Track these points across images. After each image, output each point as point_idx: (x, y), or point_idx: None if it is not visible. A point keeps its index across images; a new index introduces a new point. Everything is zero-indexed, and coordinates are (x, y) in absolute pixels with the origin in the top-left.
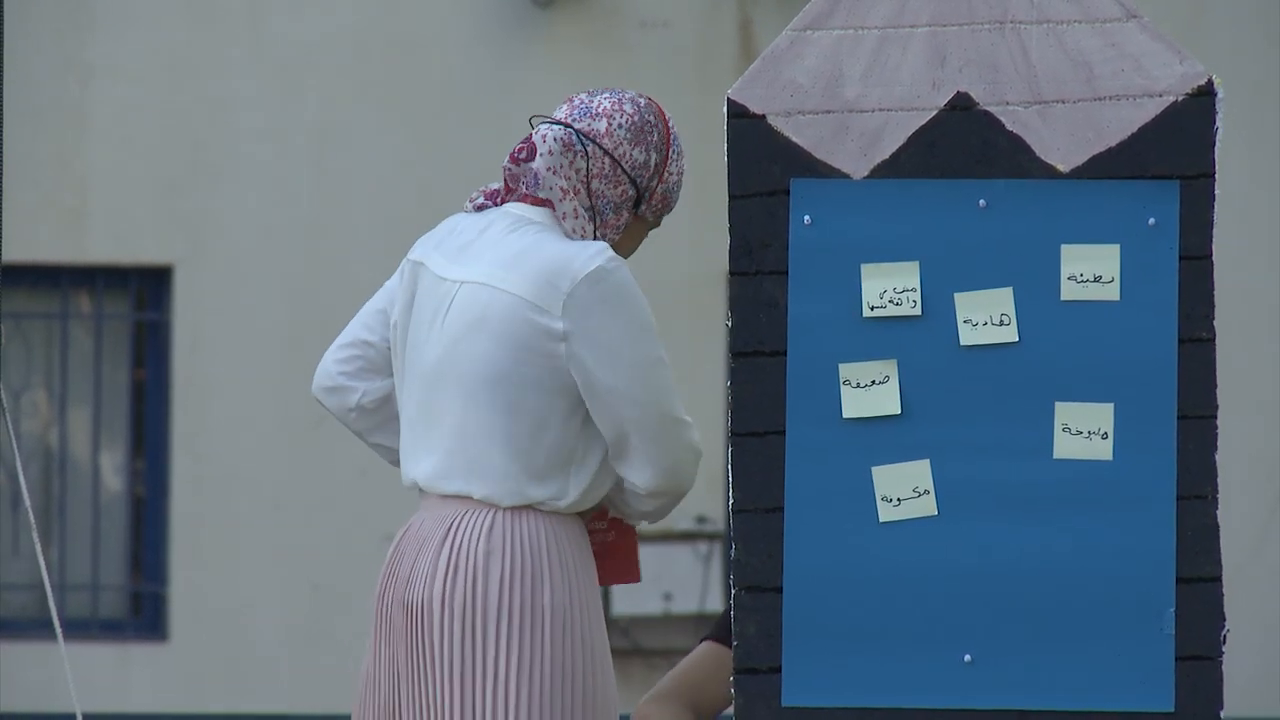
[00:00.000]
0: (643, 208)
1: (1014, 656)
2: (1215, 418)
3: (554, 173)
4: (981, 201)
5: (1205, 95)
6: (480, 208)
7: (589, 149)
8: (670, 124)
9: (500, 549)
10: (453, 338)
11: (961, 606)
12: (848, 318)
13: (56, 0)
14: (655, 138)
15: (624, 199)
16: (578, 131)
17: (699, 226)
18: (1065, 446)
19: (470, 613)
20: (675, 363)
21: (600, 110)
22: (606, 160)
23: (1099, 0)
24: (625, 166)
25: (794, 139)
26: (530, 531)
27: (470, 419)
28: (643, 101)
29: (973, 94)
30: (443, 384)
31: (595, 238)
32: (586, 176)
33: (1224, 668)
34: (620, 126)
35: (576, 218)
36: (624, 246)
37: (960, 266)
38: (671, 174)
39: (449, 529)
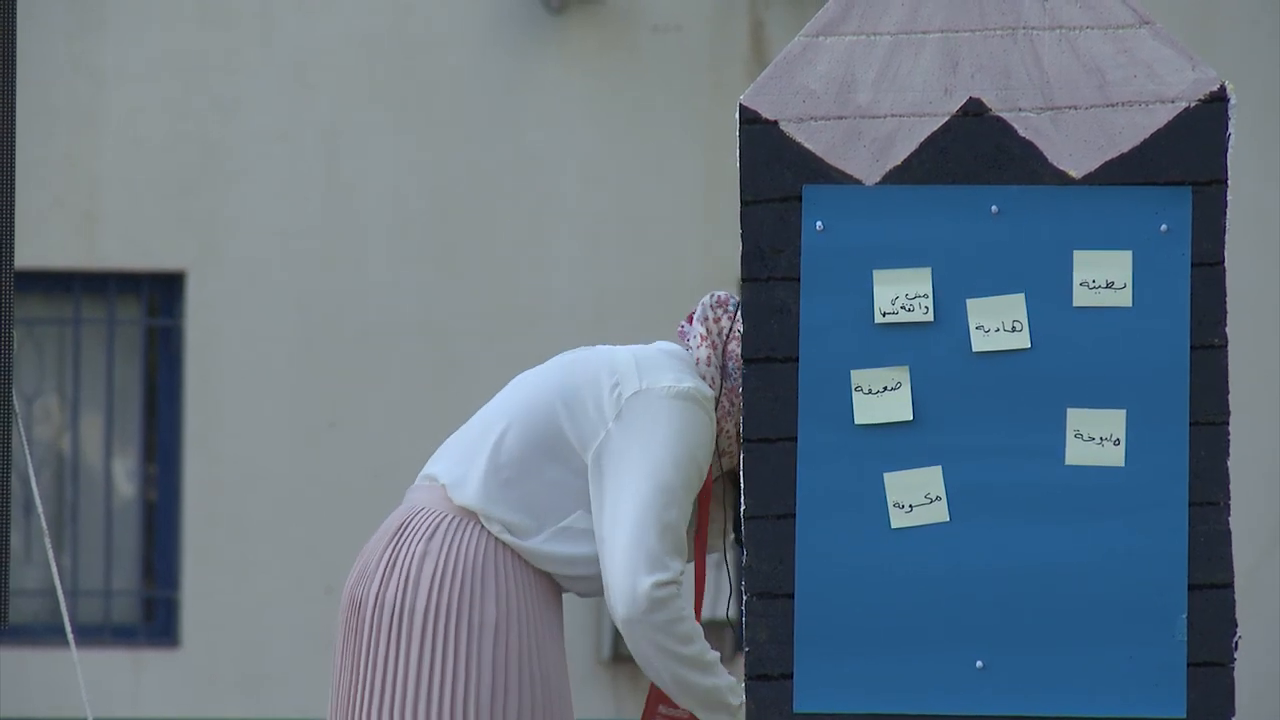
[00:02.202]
0: None
1: (1025, 662)
2: (1227, 424)
3: (700, 322)
4: (994, 207)
5: (1217, 101)
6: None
7: (737, 313)
8: None
9: (437, 553)
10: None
11: (973, 612)
12: (860, 324)
13: (68, 3)
14: None
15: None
16: (736, 300)
17: (711, 232)
18: (1077, 453)
19: (398, 613)
20: None
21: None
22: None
23: (1111, 6)
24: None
25: (806, 145)
26: (473, 544)
27: (494, 430)
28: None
29: (985, 100)
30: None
31: (730, 404)
32: (725, 336)
33: (1236, 674)
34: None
35: (709, 365)
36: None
37: (972, 272)
38: None
39: (400, 525)
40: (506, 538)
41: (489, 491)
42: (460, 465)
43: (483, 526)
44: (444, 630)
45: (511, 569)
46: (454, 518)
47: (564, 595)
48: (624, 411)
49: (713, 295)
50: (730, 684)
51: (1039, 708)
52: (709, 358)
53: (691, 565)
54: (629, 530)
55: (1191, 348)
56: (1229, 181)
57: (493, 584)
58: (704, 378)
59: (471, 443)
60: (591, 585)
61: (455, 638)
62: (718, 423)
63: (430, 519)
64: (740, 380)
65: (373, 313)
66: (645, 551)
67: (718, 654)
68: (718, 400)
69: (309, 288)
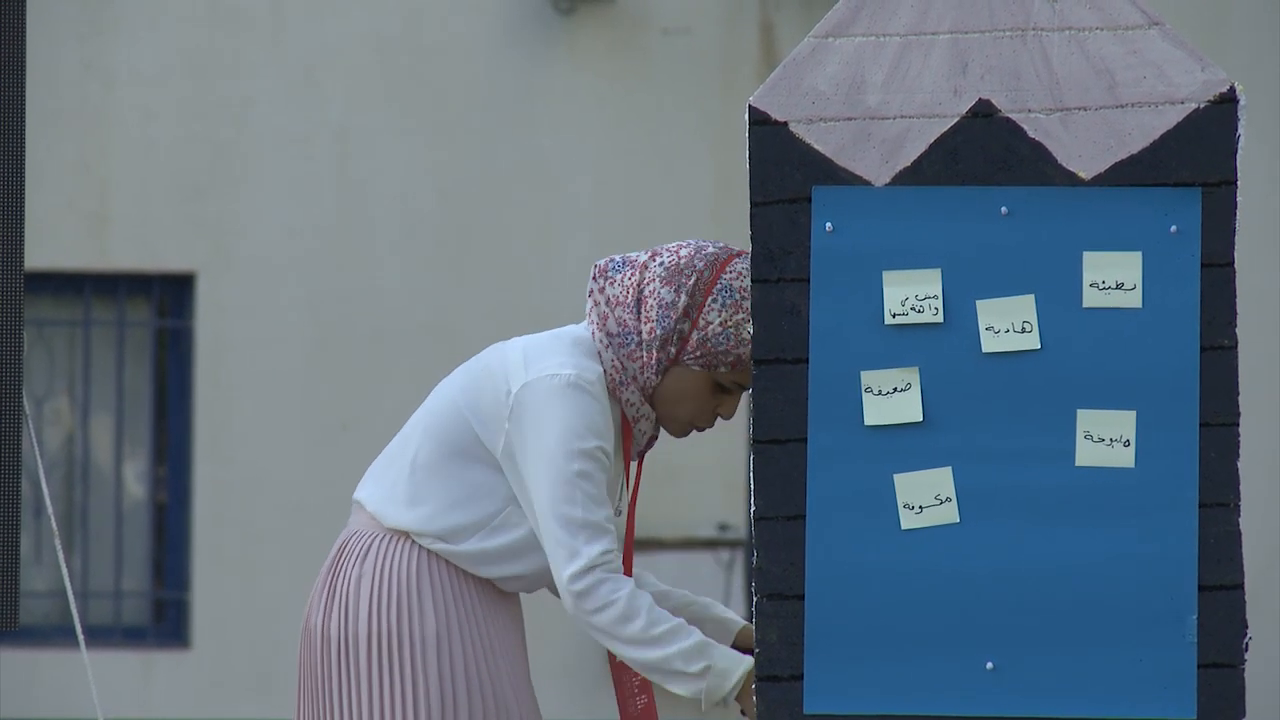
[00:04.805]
0: (683, 354)
1: (1036, 663)
2: (1237, 425)
3: (588, 296)
4: (1003, 209)
5: (1227, 102)
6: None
7: (620, 276)
8: (725, 277)
9: (372, 574)
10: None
11: (983, 614)
12: (869, 325)
13: (79, 4)
14: (691, 280)
15: (650, 336)
16: (620, 260)
17: (721, 233)
18: (1087, 454)
19: (340, 644)
20: None
21: (664, 249)
22: (632, 290)
23: (1121, 7)
24: (651, 301)
25: (815, 146)
26: (406, 561)
27: (410, 446)
28: (710, 251)
29: (994, 101)
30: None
31: (623, 370)
32: (611, 304)
33: (1246, 675)
34: (663, 265)
35: (607, 348)
36: (675, 397)
37: (982, 274)
38: (710, 323)
39: (338, 551)
40: (440, 547)
41: (415, 509)
42: (383, 486)
43: (414, 542)
44: (387, 652)
45: (449, 580)
46: (385, 537)
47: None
48: (514, 408)
49: (595, 266)
50: (683, 650)
51: (1049, 709)
52: (593, 332)
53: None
54: (543, 529)
55: (1201, 349)
56: (1239, 182)
57: (429, 598)
58: (597, 354)
59: (391, 462)
60: (531, 582)
61: (399, 657)
62: (613, 392)
63: (363, 541)
64: (628, 345)
65: (384, 314)
66: (558, 547)
67: (672, 622)
68: (607, 373)
69: (320, 289)
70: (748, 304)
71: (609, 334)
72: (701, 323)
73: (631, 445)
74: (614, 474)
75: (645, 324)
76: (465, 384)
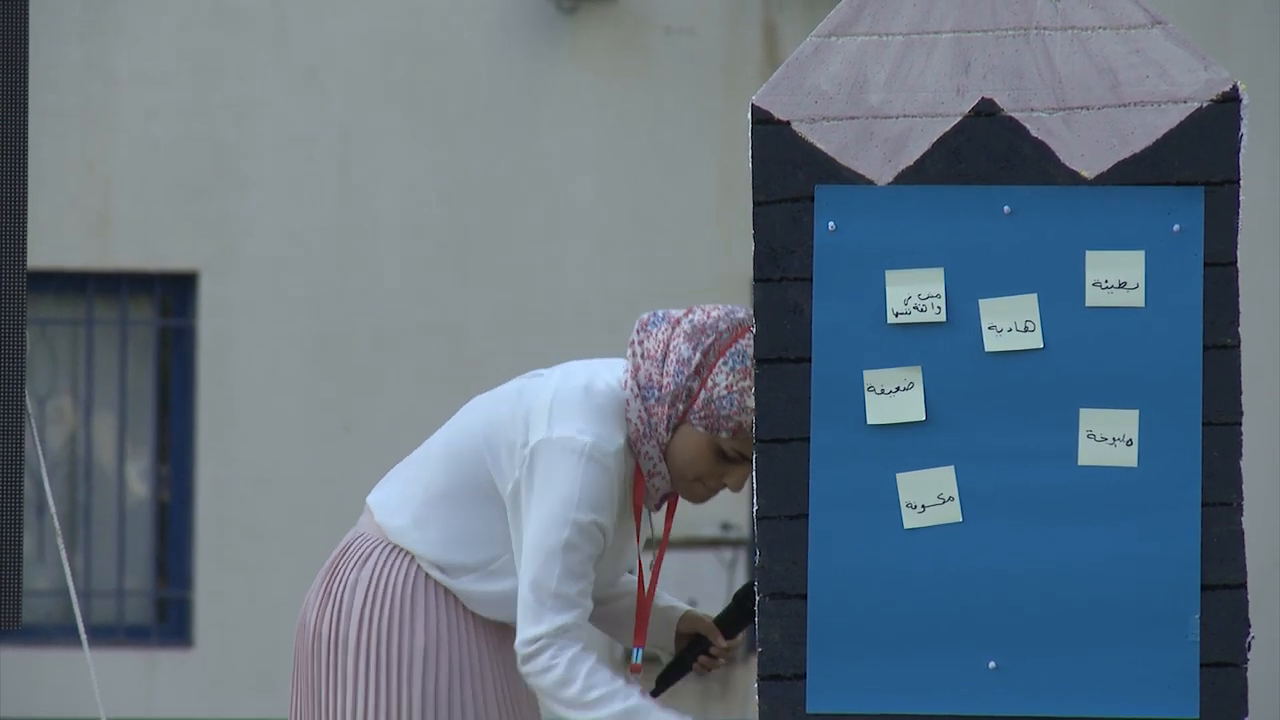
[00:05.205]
0: (690, 412)
1: (1038, 663)
2: (1240, 424)
3: (629, 348)
4: (1006, 208)
5: (1230, 101)
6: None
7: (656, 331)
8: (742, 342)
9: (368, 581)
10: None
11: (986, 613)
12: (872, 324)
13: (82, 4)
14: (710, 340)
15: (665, 391)
16: (660, 315)
17: (724, 232)
18: (1090, 453)
19: (331, 643)
20: None
21: (700, 309)
22: (662, 345)
23: (1123, 6)
24: (672, 357)
25: (818, 145)
26: (402, 573)
27: (430, 467)
28: (739, 316)
29: (997, 100)
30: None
31: (646, 423)
32: (644, 357)
33: (1248, 674)
34: (691, 322)
35: (635, 398)
36: (681, 456)
37: (985, 273)
38: (717, 384)
39: (341, 551)
40: (436, 575)
41: (420, 531)
42: (396, 499)
43: (414, 559)
44: (375, 659)
45: (442, 600)
46: (386, 546)
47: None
48: (529, 459)
49: (639, 320)
50: (614, 713)
51: (1052, 708)
52: (626, 381)
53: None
54: (519, 583)
55: (1204, 348)
56: (1241, 181)
57: (421, 614)
58: (626, 405)
59: (409, 481)
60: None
61: (385, 668)
62: (634, 445)
63: (365, 546)
64: (649, 399)
65: (386, 314)
66: (525, 608)
67: (610, 686)
68: (632, 424)
69: (322, 289)
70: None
71: (639, 385)
72: (710, 383)
73: (644, 498)
74: (619, 537)
75: (665, 378)
76: (490, 419)
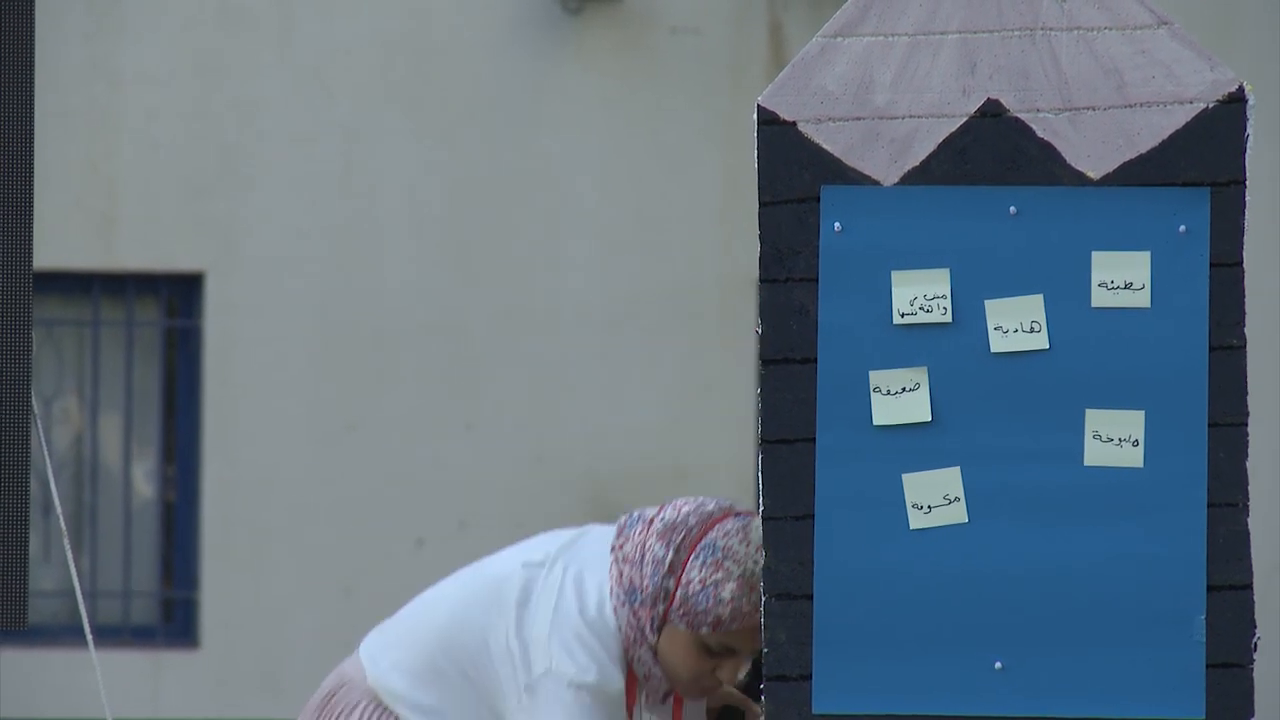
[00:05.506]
0: (670, 612)
1: (1044, 663)
2: (1246, 425)
3: (611, 553)
4: (1012, 208)
5: (1236, 102)
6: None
7: (633, 533)
8: (711, 535)
9: None
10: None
11: (992, 613)
12: (878, 325)
13: (86, 5)
14: (680, 538)
15: (646, 593)
16: (636, 515)
17: (729, 232)
18: (1096, 454)
19: None
20: (705, 368)
21: (671, 505)
22: (638, 546)
23: (1129, 7)
24: (648, 558)
25: (824, 145)
26: None
27: (429, 638)
28: (709, 509)
29: (1003, 101)
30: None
31: (635, 628)
32: (624, 561)
33: (1254, 675)
34: (663, 520)
35: (623, 605)
36: (670, 657)
37: (991, 273)
38: (691, 580)
39: (327, 697)
40: None
41: (411, 705)
42: (389, 658)
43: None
44: None
45: None
46: (370, 706)
47: None
48: (532, 686)
49: (617, 523)
50: None
51: (1058, 709)
52: (614, 588)
53: None
54: None
55: (1210, 348)
56: (1247, 182)
57: None
58: (617, 609)
59: (410, 642)
60: None
61: None
62: (628, 649)
63: (352, 696)
64: (633, 602)
65: (390, 314)
66: None
67: None
68: (622, 630)
69: (327, 289)
70: (729, 564)
71: (624, 590)
72: (684, 579)
73: (635, 701)
74: None
75: (643, 580)
76: (496, 614)
